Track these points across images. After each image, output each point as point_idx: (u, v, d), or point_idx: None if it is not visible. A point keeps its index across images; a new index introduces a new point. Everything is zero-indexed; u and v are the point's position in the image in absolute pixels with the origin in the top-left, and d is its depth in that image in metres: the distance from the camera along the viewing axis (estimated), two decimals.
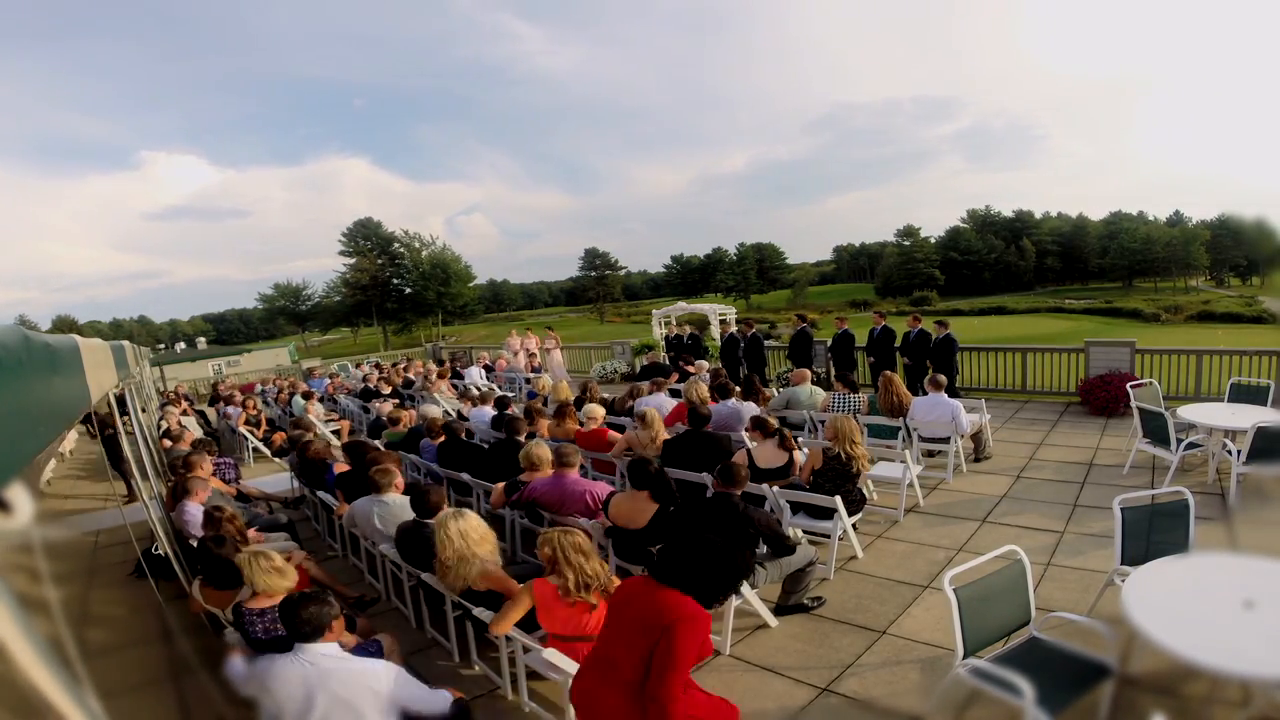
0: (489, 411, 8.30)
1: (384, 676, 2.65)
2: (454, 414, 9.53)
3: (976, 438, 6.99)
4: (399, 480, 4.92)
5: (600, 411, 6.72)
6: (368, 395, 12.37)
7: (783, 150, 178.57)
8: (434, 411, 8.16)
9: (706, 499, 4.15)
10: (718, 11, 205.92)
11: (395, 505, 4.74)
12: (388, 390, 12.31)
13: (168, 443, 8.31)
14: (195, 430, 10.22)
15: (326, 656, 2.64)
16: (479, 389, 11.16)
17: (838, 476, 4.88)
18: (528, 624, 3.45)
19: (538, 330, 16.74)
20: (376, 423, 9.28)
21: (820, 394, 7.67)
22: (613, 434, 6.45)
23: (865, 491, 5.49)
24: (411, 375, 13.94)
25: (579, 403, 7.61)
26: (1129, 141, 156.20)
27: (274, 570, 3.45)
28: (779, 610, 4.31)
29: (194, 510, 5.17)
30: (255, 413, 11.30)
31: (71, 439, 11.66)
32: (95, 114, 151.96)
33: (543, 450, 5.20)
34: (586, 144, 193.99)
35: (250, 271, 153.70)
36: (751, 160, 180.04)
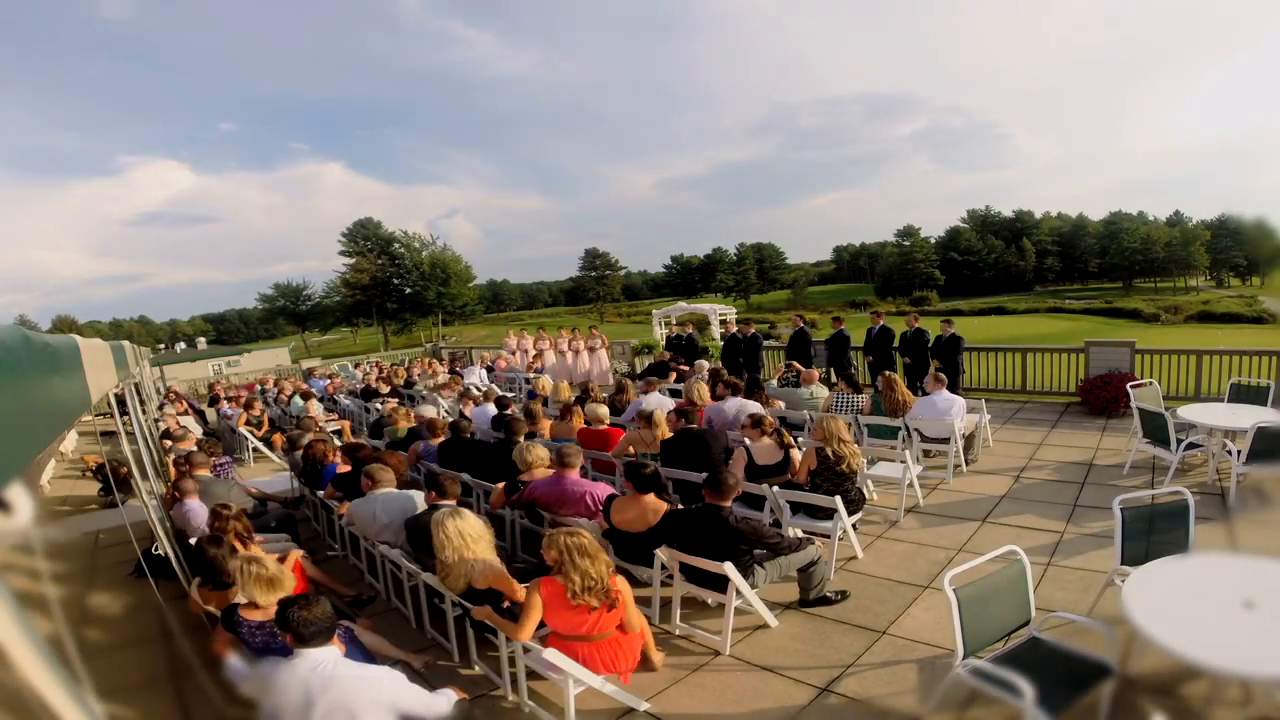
0: (490, 410, 8.30)
1: (384, 683, 2.64)
2: (455, 414, 9.53)
3: (970, 439, 6.98)
4: (391, 476, 4.92)
5: (605, 411, 6.70)
6: (368, 395, 12.36)
7: (741, 152, 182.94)
8: (431, 412, 8.16)
9: (695, 509, 4.13)
10: (660, 17, 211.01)
11: (390, 499, 4.74)
12: (387, 390, 12.31)
13: (168, 443, 8.31)
14: (195, 430, 10.22)
15: (327, 663, 2.62)
16: (478, 389, 11.16)
17: (834, 476, 4.88)
18: None
19: (564, 327, 16.47)
20: (377, 423, 9.28)
21: (822, 393, 7.66)
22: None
23: (865, 491, 5.49)
24: (415, 375, 13.88)
25: (580, 403, 7.61)
26: (1096, 141, 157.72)
27: (265, 581, 3.33)
28: (803, 604, 4.34)
29: (195, 508, 5.17)
30: (258, 413, 11.29)
31: (71, 439, 11.67)
32: (70, 126, 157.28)
33: (538, 450, 5.20)
34: (555, 147, 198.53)
35: (234, 274, 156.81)
36: (712, 162, 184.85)
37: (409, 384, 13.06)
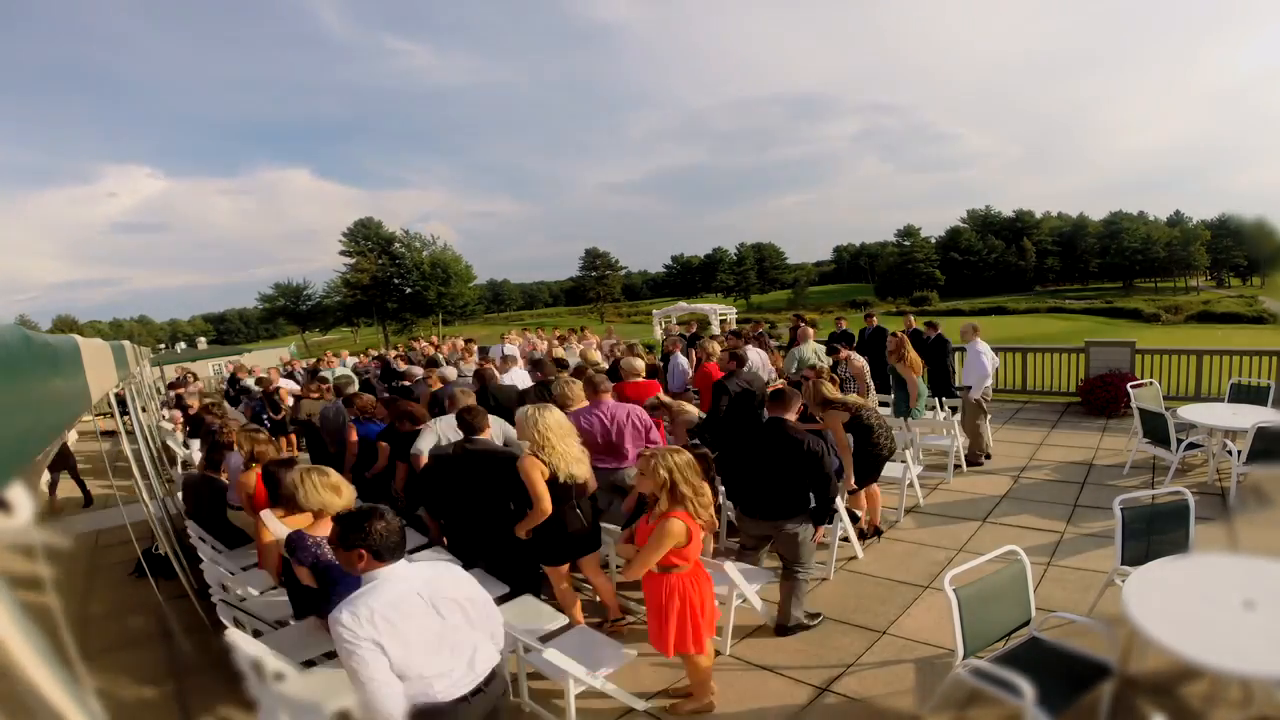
0: (522, 374, 7.96)
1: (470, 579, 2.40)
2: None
3: (975, 435, 6.98)
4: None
5: (641, 364, 6.56)
6: (389, 376, 12.10)
7: (673, 158, 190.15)
8: (453, 374, 7.94)
9: (762, 425, 4.16)
10: (581, 26, 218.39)
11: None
12: (404, 366, 12.04)
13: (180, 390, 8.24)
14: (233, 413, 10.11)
15: (412, 570, 2.26)
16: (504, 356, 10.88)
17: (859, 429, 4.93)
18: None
19: (557, 327, 16.43)
20: (405, 390, 9.03)
21: (824, 353, 7.88)
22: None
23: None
24: (443, 353, 13.59)
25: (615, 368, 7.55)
26: (1058, 141, 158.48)
27: (329, 487, 3.11)
28: (780, 632, 4.11)
29: (236, 460, 5.11)
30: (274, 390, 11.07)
31: (72, 439, 11.68)
32: (42, 142, 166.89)
33: (576, 387, 5.10)
34: (511, 150, 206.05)
35: (213, 277, 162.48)
36: (652, 167, 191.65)
37: (434, 362, 12.78)
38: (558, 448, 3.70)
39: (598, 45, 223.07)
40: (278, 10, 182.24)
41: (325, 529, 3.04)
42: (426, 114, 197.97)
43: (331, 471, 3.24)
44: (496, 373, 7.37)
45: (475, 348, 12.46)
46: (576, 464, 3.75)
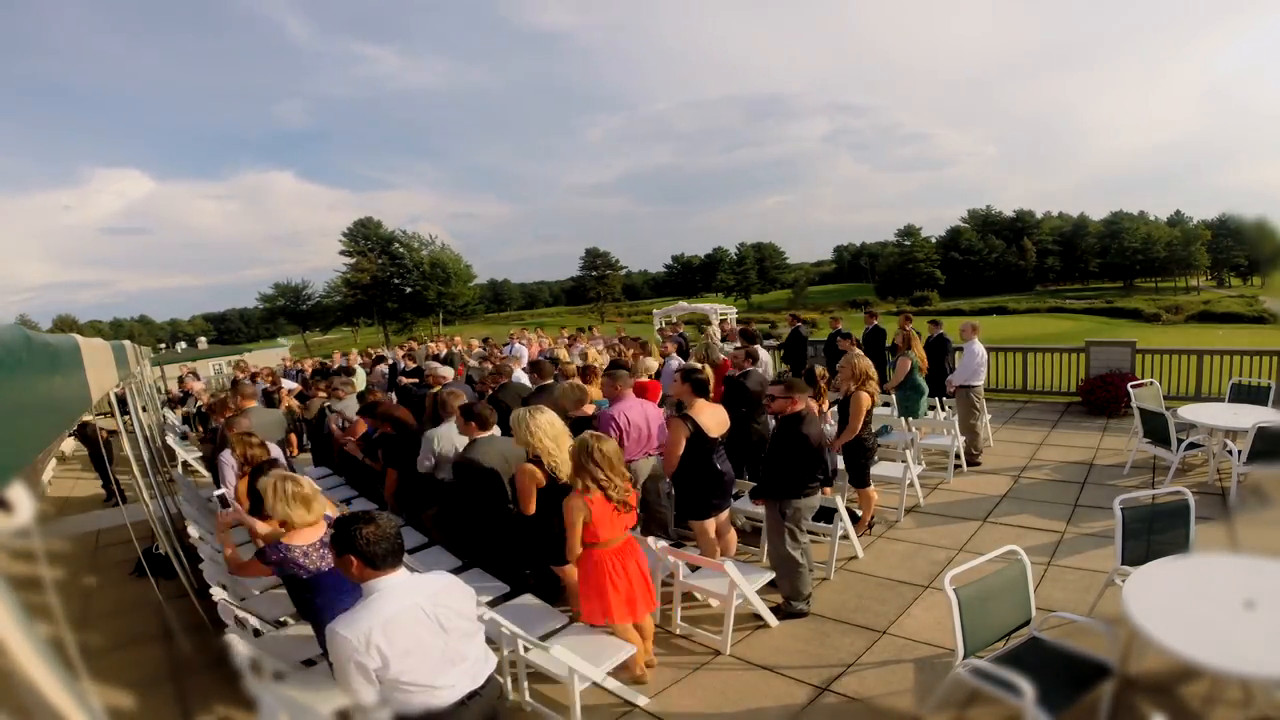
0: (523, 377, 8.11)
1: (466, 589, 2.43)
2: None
3: (971, 433, 6.98)
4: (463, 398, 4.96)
5: (653, 364, 6.59)
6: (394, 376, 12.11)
7: (647, 158, 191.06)
8: (448, 373, 7.97)
9: (780, 420, 4.24)
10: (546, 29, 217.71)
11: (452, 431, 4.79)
12: (413, 365, 12.03)
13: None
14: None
15: (416, 583, 2.27)
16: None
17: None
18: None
19: (564, 327, 16.41)
20: (404, 390, 9.10)
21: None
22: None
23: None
24: (448, 348, 13.53)
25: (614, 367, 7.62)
26: (1035, 140, 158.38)
27: (299, 499, 2.96)
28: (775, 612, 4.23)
29: (229, 459, 5.09)
30: (275, 388, 11.10)
31: (71, 439, 11.67)
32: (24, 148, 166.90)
33: (590, 388, 5.21)
34: (489, 152, 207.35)
35: (205, 280, 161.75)
36: (620, 169, 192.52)
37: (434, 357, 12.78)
38: (550, 448, 3.72)
39: (558, 49, 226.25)
40: (243, 22, 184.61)
41: (303, 539, 2.92)
42: (403, 117, 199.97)
43: (305, 482, 3.05)
44: (517, 370, 7.50)
45: (494, 348, 12.45)
46: (566, 464, 3.75)
